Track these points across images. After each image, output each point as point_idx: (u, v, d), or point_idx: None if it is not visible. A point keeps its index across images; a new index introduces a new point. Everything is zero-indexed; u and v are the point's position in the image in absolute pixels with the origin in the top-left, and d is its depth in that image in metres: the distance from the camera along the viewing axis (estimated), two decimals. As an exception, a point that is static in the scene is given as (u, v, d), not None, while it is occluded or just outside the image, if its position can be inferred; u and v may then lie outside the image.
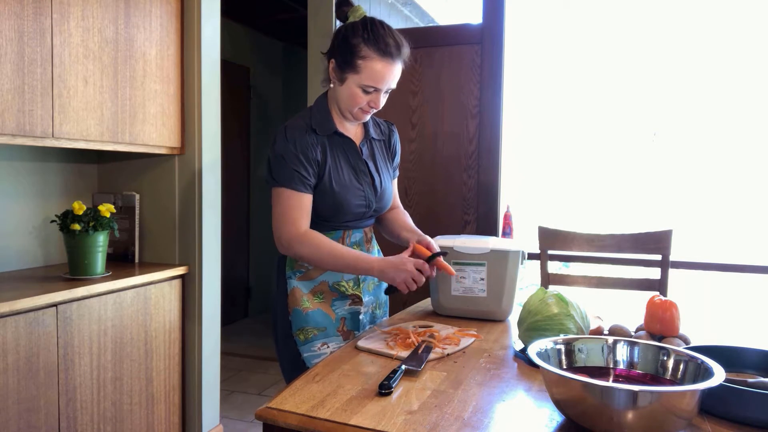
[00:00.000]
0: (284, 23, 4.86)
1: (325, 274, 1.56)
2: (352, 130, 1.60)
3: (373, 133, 1.64)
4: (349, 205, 1.52)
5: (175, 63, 2.48)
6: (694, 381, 0.93)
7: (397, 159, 1.72)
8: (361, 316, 1.60)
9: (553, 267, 2.36)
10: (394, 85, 1.50)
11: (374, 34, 1.44)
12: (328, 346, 1.54)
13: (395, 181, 1.74)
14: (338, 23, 3.27)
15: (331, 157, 1.52)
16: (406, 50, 1.49)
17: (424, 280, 1.41)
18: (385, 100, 1.53)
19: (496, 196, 2.98)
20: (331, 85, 1.53)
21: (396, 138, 1.71)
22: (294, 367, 1.55)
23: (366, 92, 1.46)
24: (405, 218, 1.68)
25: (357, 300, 1.59)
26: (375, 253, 1.70)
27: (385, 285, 1.69)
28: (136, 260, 2.55)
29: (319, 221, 1.53)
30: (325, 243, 1.45)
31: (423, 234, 1.55)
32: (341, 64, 1.47)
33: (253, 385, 3.49)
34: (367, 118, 1.55)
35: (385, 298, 1.74)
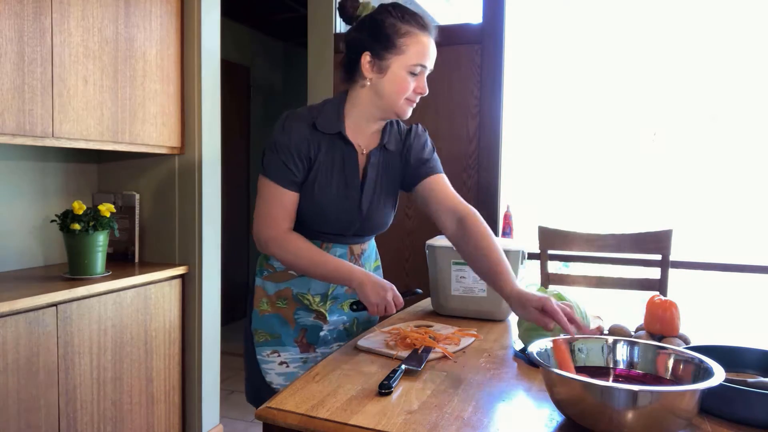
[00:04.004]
0: (284, 23, 4.86)
1: (292, 281, 1.46)
2: (364, 138, 1.44)
3: (389, 142, 1.47)
4: (328, 218, 1.41)
5: (175, 63, 2.48)
6: (694, 381, 0.93)
7: (424, 155, 1.49)
8: (322, 333, 1.49)
9: (553, 267, 2.36)
10: (432, 66, 1.39)
11: (407, 12, 1.35)
12: (279, 355, 1.46)
13: (440, 177, 1.48)
14: (338, 24, 3.27)
15: (327, 158, 1.39)
16: (436, 29, 1.39)
17: (393, 312, 1.34)
18: None
19: (496, 196, 2.98)
20: (368, 82, 1.37)
21: (411, 141, 1.50)
22: (249, 360, 1.51)
23: (413, 74, 1.35)
24: (494, 254, 1.32)
25: (321, 316, 1.48)
26: (369, 271, 1.56)
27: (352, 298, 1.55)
28: (136, 260, 2.55)
29: (297, 226, 1.42)
30: (304, 246, 1.36)
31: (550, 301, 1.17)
32: (380, 51, 1.33)
33: (253, 385, 3.48)
34: (410, 112, 1.40)
35: (367, 318, 1.62)
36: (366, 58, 1.35)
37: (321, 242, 1.45)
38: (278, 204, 1.37)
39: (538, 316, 1.17)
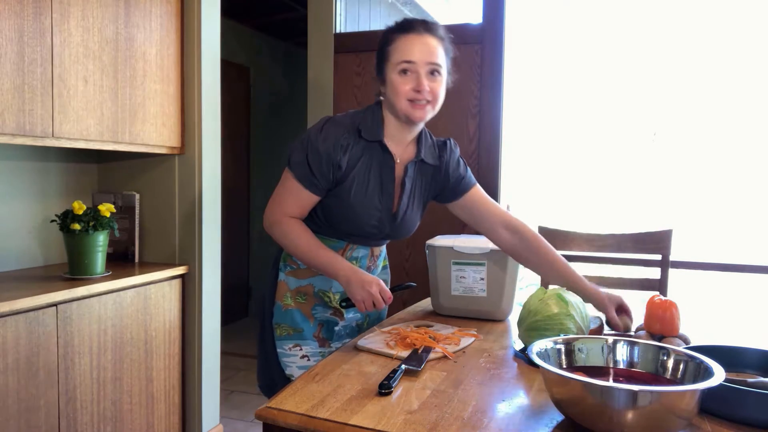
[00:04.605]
0: (284, 23, 4.86)
1: (315, 278, 1.52)
2: (401, 148, 1.48)
3: (426, 155, 1.50)
4: (360, 222, 1.44)
5: (175, 63, 2.48)
6: (694, 381, 0.93)
7: (459, 173, 1.56)
8: (336, 328, 1.56)
9: (553, 267, 2.35)
10: (435, 59, 1.36)
11: (398, 23, 1.41)
12: (301, 349, 1.51)
13: (477, 189, 1.58)
14: (338, 24, 3.27)
15: (363, 165, 1.42)
16: (438, 27, 1.40)
17: (383, 306, 1.37)
18: (440, 91, 1.39)
19: (496, 196, 2.98)
20: (381, 98, 1.45)
21: (447, 158, 1.56)
22: (271, 349, 1.55)
23: (404, 74, 1.36)
24: (559, 259, 1.51)
25: (338, 313, 1.55)
26: (378, 270, 1.64)
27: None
28: (136, 260, 2.55)
29: (326, 226, 1.48)
30: (304, 235, 1.42)
31: (604, 294, 1.42)
32: (380, 66, 1.42)
33: (253, 385, 3.49)
34: (425, 115, 1.40)
35: (383, 313, 1.69)
36: (378, 79, 1.45)
37: (346, 243, 1.51)
38: (295, 198, 1.42)
39: (614, 315, 1.39)
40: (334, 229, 1.48)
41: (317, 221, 1.49)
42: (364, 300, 1.35)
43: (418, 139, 1.51)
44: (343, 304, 1.43)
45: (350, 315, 1.57)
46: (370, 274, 1.40)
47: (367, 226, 1.46)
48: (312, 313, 1.53)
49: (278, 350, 1.52)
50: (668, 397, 0.83)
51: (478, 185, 1.60)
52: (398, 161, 1.47)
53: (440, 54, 1.38)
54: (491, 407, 1.00)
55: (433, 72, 1.37)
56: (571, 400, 0.88)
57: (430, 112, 1.41)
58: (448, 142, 1.59)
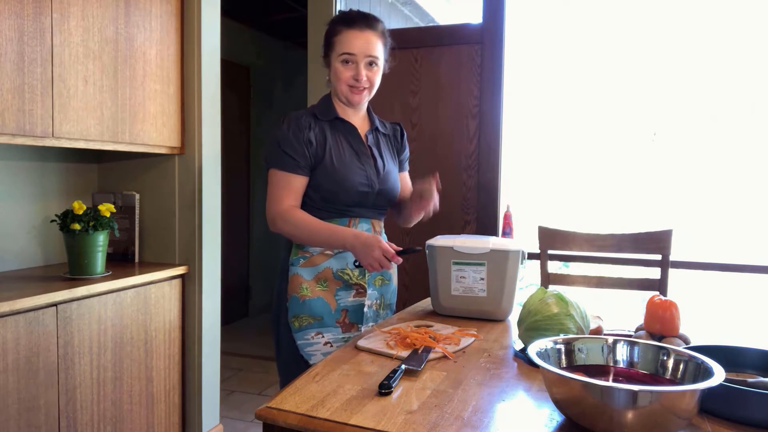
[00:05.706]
0: (284, 23, 4.86)
1: (330, 260, 1.57)
2: (357, 121, 1.66)
3: (379, 125, 1.70)
4: (351, 183, 1.55)
5: (175, 63, 2.48)
6: (694, 381, 0.93)
7: (406, 153, 1.80)
8: (365, 309, 1.60)
9: (553, 267, 2.36)
10: (373, 53, 1.55)
11: (342, 14, 1.60)
12: (323, 336, 1.55)
13: (406, 174, 1.82)
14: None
15: (333, 139, 1.58)
16: (377, 23, 1.58)
17: (390, 266, 1.46)
18: (376, 79, 1.59)
19: (496, 196, 2.98)
20: (328, 78, 1.65)
21: (404, 136, 1.79)
22: (289, 353, 1.57)
23: (345, 63, 1.55)
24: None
25: (361, 291, 1.60)
26: None
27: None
28: (136, 260, 2.55)
29: (324, 204, 1.56)
30: (304, 218, 1.51)
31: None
32: (327, 52, 1.61)
33: (253, 385, 3.49)
34: (362, 99, 1.61)
35: (393, 299, 1.76)
36: (324, 61, 1.65)
37: (348, 219, 1.59)
38: (284, 186, 1.53)
39: (416, 202, 1.56)
40: (331, 204, 1.57)
41: (314, 205, 1.57)
42: (370, 264, 1.44)
43: (369, 113, 1.71)
44: (356, 263, 1.50)
45: (370, 291, 1.62)
46: (372, 236, 1.45)
47: (358, 185, 1.57)
48: (335, 299, 1.58)
49: (299, 342, 1.55)
50: (668, 397, 0.83)
51: (407, 173, 1.82)
52: (359, 131, 1.64)
53: (378, 47, 1.57)
54: (491, 407, 1.00)
55: (371, 63, 1.57)
56: (571, 400, 0.88)
57: (367, 96, 1.62)
58: (400, 126, 1.80)
